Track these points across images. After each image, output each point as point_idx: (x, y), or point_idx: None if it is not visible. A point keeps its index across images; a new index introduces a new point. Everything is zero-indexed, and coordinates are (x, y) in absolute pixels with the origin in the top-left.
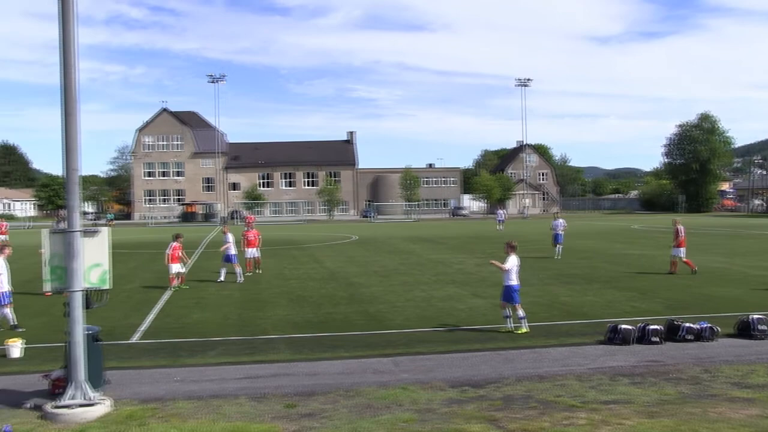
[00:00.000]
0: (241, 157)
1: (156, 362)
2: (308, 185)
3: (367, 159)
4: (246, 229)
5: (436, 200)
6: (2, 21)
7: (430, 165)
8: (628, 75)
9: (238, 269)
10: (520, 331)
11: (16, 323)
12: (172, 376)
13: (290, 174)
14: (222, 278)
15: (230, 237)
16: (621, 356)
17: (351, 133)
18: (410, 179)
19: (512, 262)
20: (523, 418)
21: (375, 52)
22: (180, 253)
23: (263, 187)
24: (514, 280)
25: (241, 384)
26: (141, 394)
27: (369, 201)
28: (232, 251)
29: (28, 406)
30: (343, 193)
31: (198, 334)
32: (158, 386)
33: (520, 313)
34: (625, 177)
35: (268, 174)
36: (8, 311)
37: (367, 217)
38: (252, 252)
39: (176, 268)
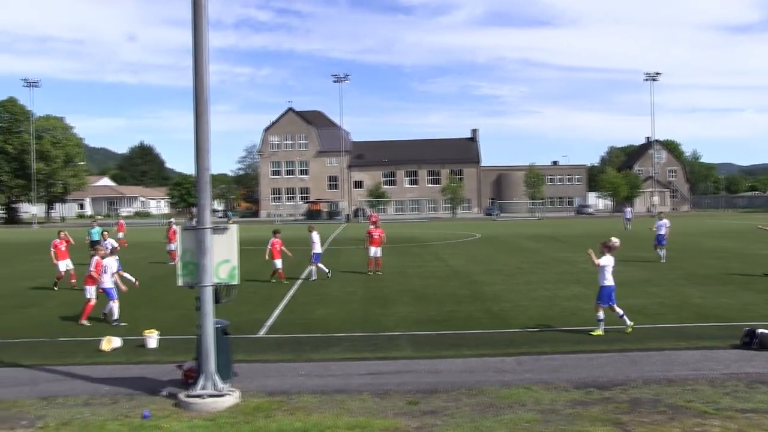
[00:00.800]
0: (365, 155)
1: (281, 356)
2: (431, 183)
3: (490, 157)
4: (370, 227)
5: (560, 198)
6: (145, 28)
7: (555, 162)
8: (766, 66)
9: (313, 268)
10: (595, 333)
11: (117, 318)
12: (297, 370)
13: (413, 172)
14: (314, 277)
15: (315, 236)
16: (759, 362)
17: (474, 130)
18: (534, 177)
19: (606, 261)
20: (650, 423)
21: (498, 49)
22: (280, 248)
23: (387, 185)
24: (609, 281)
25: (365, 380)
26: (267, 387)
27: (492, 199)
28: (317, 250)
29: (164, 393)
30: (467, 191)
31: (322, 330)
32: (284, 380)
33: (600, 315)
34: (762, 174)
35: (391, 172)
36: (115, 306)
37: (490, 215)
38: (374, 251)
39: (279, 263)
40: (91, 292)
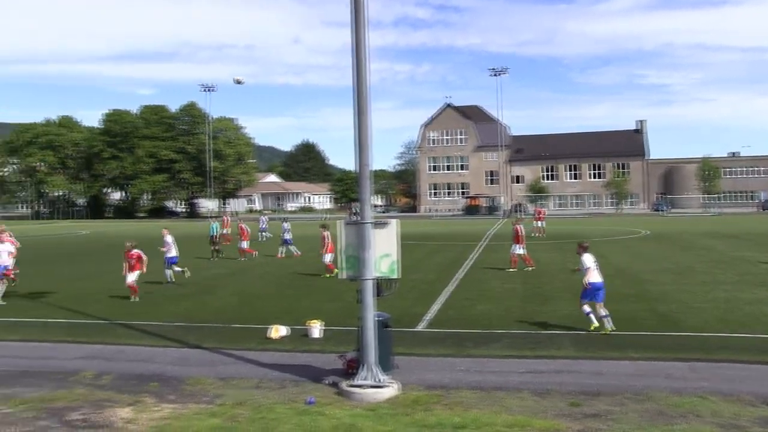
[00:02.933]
0: (525, 149)
1: (440, 351)
2: (594, 177)
3: (658, 149)
4: (515, 224)
5: (740, 192)
6: (307, 31)
7: (734, 153)
8: None
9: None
10: None
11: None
12: (456, 365)
13: (575, 166)
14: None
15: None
16: None
17: (641, 121)
18: (709, 169)
19: None
20: None
21: (668, 34)
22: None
23: (547, 179)
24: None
25: (524, 378)
26: (426, 380)
27: (661, 194)
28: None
29: (327, 382)
30: (632, 185)
31: (481, 326)
32: (443, 374)
33: None
34: None
35: (552, 166)
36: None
37: (658, 210)
38: (518, 248)
39: (329, 257)
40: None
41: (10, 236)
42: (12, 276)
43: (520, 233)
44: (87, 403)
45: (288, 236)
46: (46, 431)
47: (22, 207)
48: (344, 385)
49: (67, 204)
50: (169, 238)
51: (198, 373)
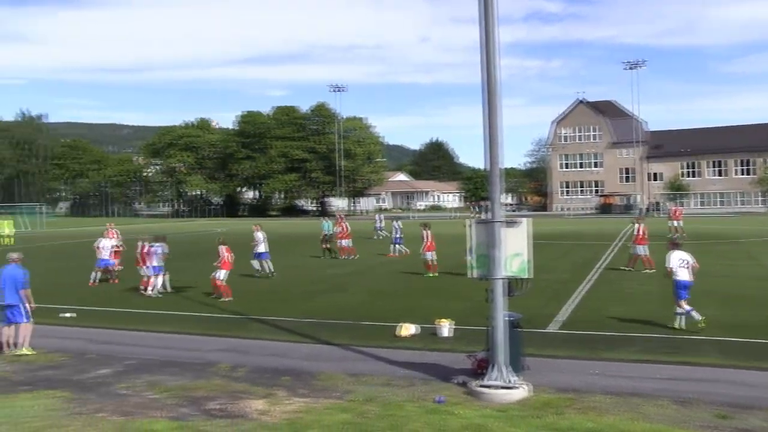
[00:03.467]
0: (664, 145)
1: (572, 353)
2: (742, 174)
3: None
4: (635, 223)
5: None
6: (436, 29)
7: None
8: None
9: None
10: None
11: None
12: (588, 368)
13: (719, 162)
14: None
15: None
16: None
17: None
18: None
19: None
20: None
21: None
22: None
23: (687, 176)
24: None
25: (662, 385)
26: (558, 383)
27: None
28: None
29: (456, 381)
30: None
31: (616, 328)
32: (575, 377)
33: None
34: None
35: (693, 163)
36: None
37: None
38: (641, 249)
39: (430, 255)
40: None
41: (117, 235)
42: (111, 270)
43: (641, 234)
44: (224, 394)
45: (398, 235)
46: (186, 418)
47: (163, 206)
48: (474, 385)
49: (204, 203)
50: (259, 235)
51: (329, 368)
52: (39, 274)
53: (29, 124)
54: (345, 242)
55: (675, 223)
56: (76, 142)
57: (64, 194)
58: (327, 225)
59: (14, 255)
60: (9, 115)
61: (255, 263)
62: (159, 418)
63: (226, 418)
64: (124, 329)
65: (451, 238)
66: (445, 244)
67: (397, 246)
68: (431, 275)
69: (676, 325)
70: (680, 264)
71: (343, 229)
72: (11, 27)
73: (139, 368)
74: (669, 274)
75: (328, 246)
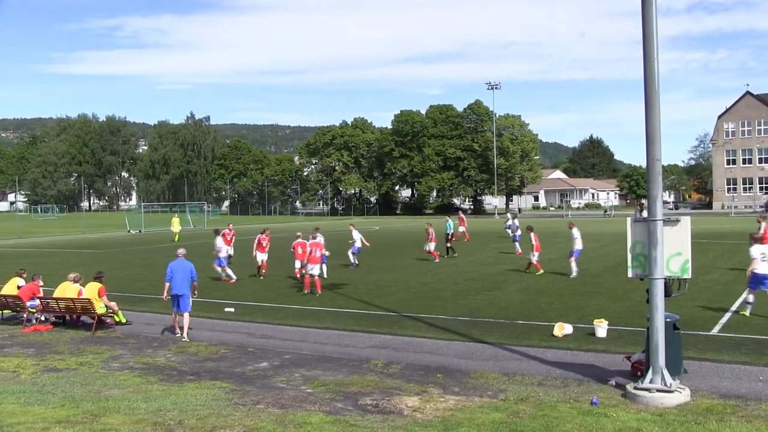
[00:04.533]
0: None
1: (736, 358)
2: None
3: None
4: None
5: None
6: (595, 24)
7: None
8: None
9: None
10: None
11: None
12: (755, 374)
13: None
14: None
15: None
16: None
17: None
18: None
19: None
20: None
21: None
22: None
23: None
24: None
25: None
26: (720, 388)
27: None
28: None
29: (612, 383)
30: None
31: None
32: (739, 383)
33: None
34: None
35: None
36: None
37: None
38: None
39: (536, 256)
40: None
41: (230, 231)
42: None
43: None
44: (377, 390)
45: (518, 233)
46: (341, 412)
47: (320, 204)
48: (630, 387)
49: (360, 201)
50: (355, 234)
51: (482, 367)
52: (200, 269)
53: (195, 126)
54: (430, 246)
55: None
56: (238, 142)
57: (224, 193)
58: (450, 224)
59: (181, 250)
60: (177, 119)
61: (351, 257)
62: (315, 411)
63: (379, 413)
64: (281, 324)
65: (612, 237)
66: (609, 243)
67: (515, 243)
68: (540, 272)
69: (747, 313)
70: (761, 258)
71: (426, 233)
72: (177, 36)
73: (296, 362)
74: (748, 271)
75: (450, 245)
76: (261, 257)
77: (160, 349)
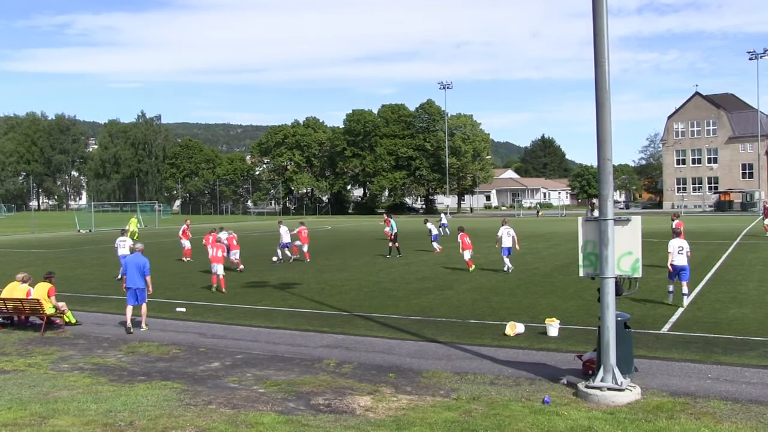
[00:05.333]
0: None
1: (686, 356)
2: None
3: None
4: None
5: None
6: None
7: None
8: None
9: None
10: None
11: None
12: (704, 372)
13: None
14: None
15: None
16: None
17: None
18: None
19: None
20: None
21: None
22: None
23: None
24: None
25: None
26: (670, 386)
27: None
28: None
29: (563, 382)
30: None
31: (734, 331)
32: (689, 381)
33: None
34: None
35: None
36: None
37: None
38: None
39: (467, 254)
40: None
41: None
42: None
43: None
44: (330, 389)
45: (435, 234)
46: (293, 412)
47: (272, 203)
48: (581, 386)
49: (312, 200)
50: (282, 230)
51: (434, 366)
52: (155, 268)
53: (146, 125)
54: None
55: None
56: (190, 141)
57: (176, 192)
58: (394, 224)
59: (139, 245)
60: (128, 118)
61: (279, 252)
62: (267, 411)
63: (332, 413)
64: (232, 324)
65: (562, 236)
66: (561, 242)
67: (433, 243)
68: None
69: (672, 302)
70: (677, 251)
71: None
72: (129, 34)
73: (248, 362)
74: (668, 263)
75: (398, 245)
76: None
77: (111, 349)
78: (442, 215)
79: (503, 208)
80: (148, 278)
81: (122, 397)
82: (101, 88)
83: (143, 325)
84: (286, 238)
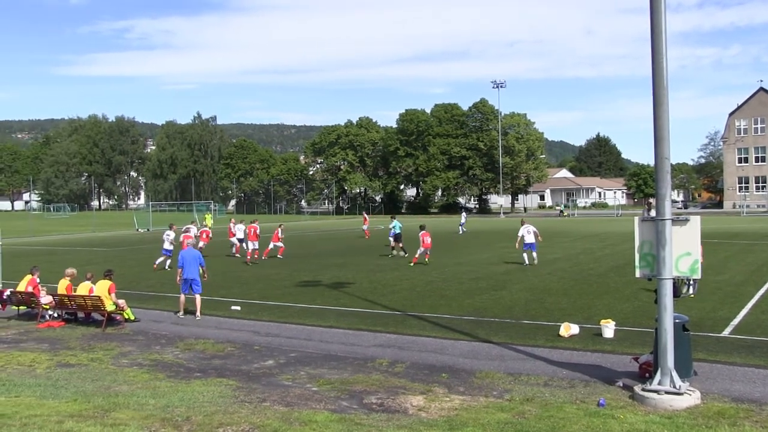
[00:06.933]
0: None
1: (750, 360)
2: None
3: None
4: None
5: None
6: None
7: None
8: None
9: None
10: None
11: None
12: None
13: None
14: None
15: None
16: None
17: None
18: None
19: None
20: None
21: None
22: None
23: None
24: None
25: None
26: (732, 392)
27: None
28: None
29: (619, 384)
30: None
31: None
32: (753, 387)
33: None
34: None
35: None
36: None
37: None
38: None
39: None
40: None
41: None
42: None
43: None
44: (382, 389)
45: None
46: (346, 411)
47: (325, 203)
48: (638, 389)
49: (365, 200)
50: (238, 226)
51: (487, 366)
52: (211, 265)
53: (202, 126)
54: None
55: None
56: (244, 142)
57: (231, 192)
58: (398, 224)
59: (191, 240)
60: (184, 119)
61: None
62: (320, 409)
63: (384, 412)
64: (286, 323)
65: (619, 237)
66: (617, 242)
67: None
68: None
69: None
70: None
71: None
72: (185, 37)
73: (301, 361)
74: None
75: (401, 245)
76: (252, 245)
77: (168, 346)
78: (463, 214)
79: (557, 208)
80: (204, 268)
81: (179, 392)
82: (158, 90)
83: (198, 314)
84: (241, 233)
